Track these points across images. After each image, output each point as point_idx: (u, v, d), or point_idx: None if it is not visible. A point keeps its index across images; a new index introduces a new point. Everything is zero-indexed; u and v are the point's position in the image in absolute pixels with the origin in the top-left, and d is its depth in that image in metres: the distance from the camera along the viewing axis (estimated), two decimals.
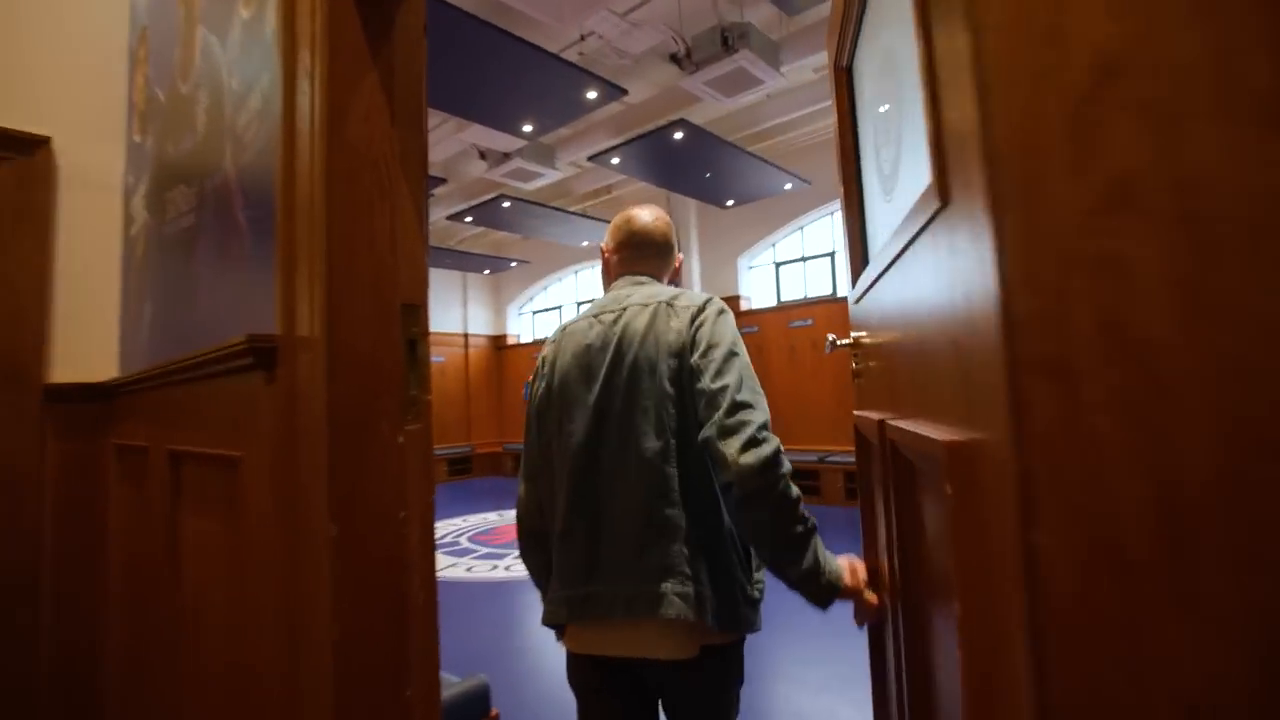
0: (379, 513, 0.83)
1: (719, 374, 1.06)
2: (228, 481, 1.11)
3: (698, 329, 1.13)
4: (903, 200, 0.79)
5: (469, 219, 8.10)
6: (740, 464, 0.97)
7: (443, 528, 6.98)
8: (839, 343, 1.37)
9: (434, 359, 10.01)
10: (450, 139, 6.51)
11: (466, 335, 12.04)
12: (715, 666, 1.09)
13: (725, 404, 1.02)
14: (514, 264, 10.82)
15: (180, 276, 1.42)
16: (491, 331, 12.47)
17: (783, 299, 8.59)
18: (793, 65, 4.96)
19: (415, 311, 0.91)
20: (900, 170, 0.84)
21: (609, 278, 1.35)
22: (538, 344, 11.82)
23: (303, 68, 0.88)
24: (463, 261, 10.64)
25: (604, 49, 5.03)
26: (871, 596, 1.06)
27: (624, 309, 1.20)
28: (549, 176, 6.83)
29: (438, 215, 8.42)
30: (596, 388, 1.15)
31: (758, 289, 8.87)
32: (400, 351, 0.88)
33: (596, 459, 1.12)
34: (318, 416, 0.82)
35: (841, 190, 1.31)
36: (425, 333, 0.92)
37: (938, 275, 0.57)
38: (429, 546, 0.89)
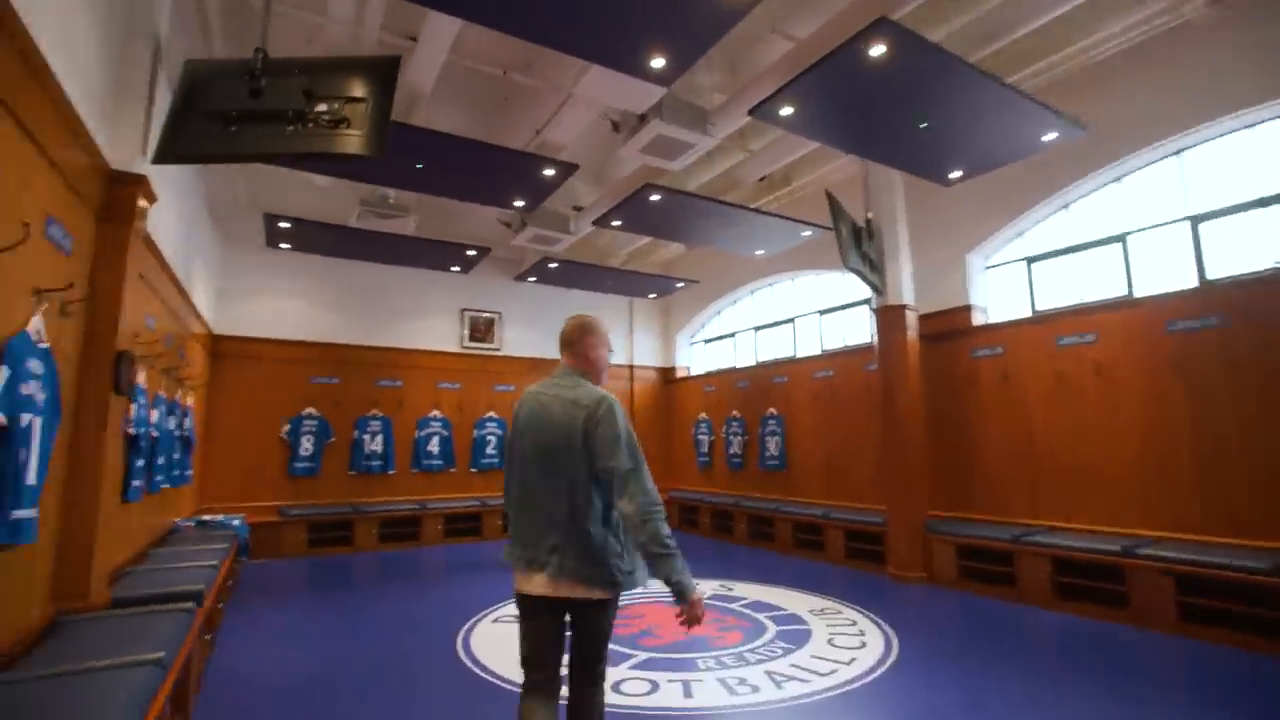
0: None
1: (612, 455, 2.01)
2: None
3: (594, 424, 2.05)
4: None
5: (616, 222, 6.87)
6: (623, 511, 2.00)
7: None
8: None
9: None
10: (570, 108, 5.31)
11: (631, 367, 10.85)
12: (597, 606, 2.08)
13: (618, 479, 2.00)
14: (680, 285, 9.43)
15: None
16: (659, 363, 11.16)
17: (1039, 307, 6.04)
18: None
19: None
20: None
21: (564, 354, 2.30)
22: (709, 377, 10.22)
23: None
24: (624, 284, 9.51)
25: None
26: (700, 613, 2.02)
27: (556, 396, 2.16)
28: (702, 147, 5.31)
29: (584, 222, 7.33)
30: (542, 436, 2.12)
31: (1000, 295, 6.40)
32: None
33: (543, 475, 2.10)
34: None
35: None
36: None
37: None
38: None
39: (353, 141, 3.51)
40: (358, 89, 3.57)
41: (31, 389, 2.48)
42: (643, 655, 3.99)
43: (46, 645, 2.55)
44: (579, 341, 2.25)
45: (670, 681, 3.54)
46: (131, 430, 4.14)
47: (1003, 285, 6.38)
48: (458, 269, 8.67)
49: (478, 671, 3.74)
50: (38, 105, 2.40)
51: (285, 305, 8.38)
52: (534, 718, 2.04)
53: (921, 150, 5.17)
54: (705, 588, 5.85)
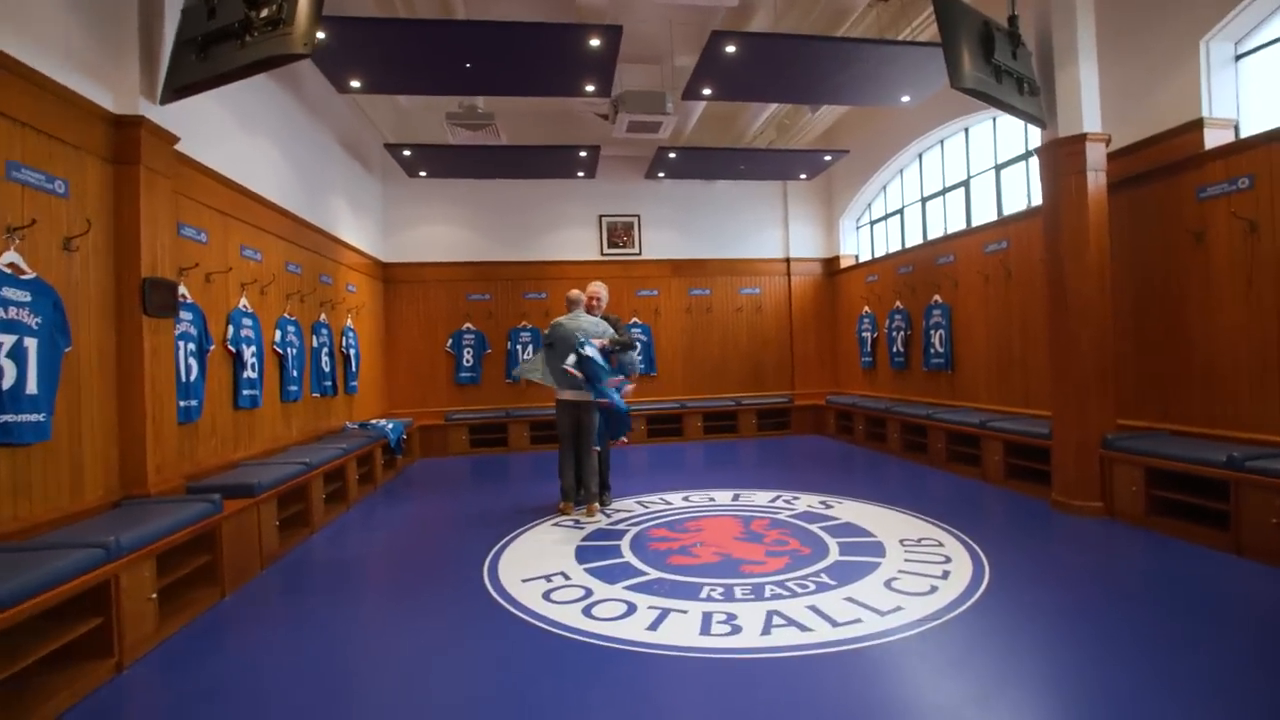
0: None
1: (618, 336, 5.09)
2: None
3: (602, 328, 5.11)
4: None
5: (706, 90, 5.92)
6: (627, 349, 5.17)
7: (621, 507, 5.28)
8: None
9: (749, 290, 8.19)
10: None
11: (788, 260, 9.73)
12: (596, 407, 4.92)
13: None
14: (828, 158, 8.01)
15: None
16: (821, 254, 9.83)
17: None
18: None
19: None
20: None
21: (568, 309, 5.15)
22: (872, 264, 8.71)
23: None
24: (762, 165, 8.38)
25: None
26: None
27: (580, 320, 5.03)
28: None
29: (676, 95, 6.47)
30: (575, 334, 4.88)
31: (1255, 98, 4.15)
32: None
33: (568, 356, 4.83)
34: None
35: None
36: None
37: None
38: None
39: (292, 40, 3.39)
40: None
41: (18, 314, 2.89)
42: (651, 575, 3.61)
43: (83, 524, 3.09)
44: (580, 303, 5.09)
45: (650, 609, 3.13)
46: (231, 348, 4.83)
47: (1259, 82, 4.09)
48: (583, 174, 8.43)
49: (493, 594, 3.75)
50: None
51: (438, 230, 9.06)
52: (569, 461, 4.95)
53: None
54: (800, 504, 5.13)
